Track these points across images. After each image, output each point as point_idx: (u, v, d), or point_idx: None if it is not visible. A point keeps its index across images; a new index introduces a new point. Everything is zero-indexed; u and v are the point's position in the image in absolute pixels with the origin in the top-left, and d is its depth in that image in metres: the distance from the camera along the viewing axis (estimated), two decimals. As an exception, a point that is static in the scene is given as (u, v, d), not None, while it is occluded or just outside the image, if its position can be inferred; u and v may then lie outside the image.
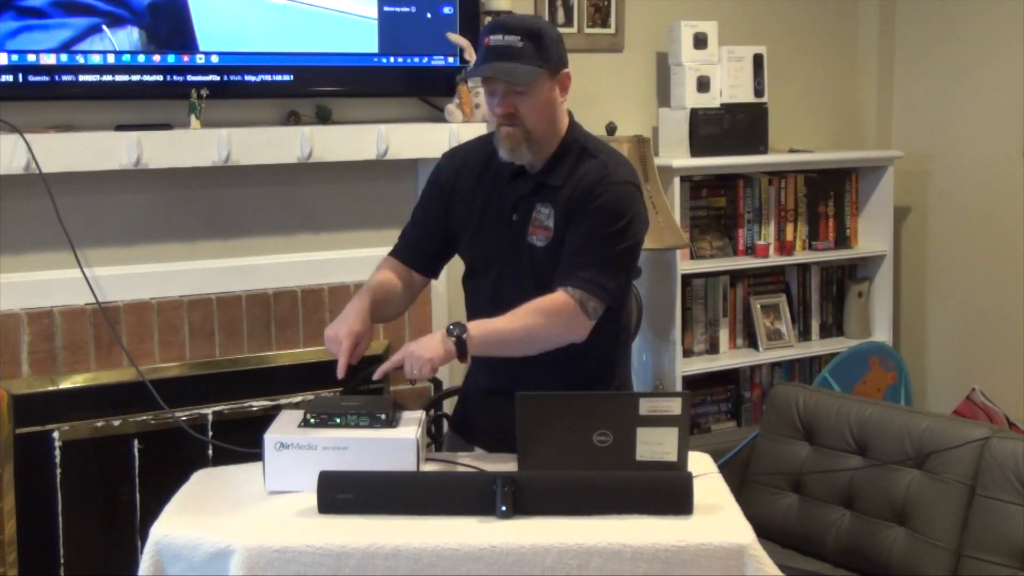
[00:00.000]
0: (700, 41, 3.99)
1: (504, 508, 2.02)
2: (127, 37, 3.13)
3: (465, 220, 2.47)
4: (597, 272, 2.31)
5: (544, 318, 2.30)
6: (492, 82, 2.33)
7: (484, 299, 2.46)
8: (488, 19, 3.61)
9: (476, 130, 3.39)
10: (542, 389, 2.35)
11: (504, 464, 2.22)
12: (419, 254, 2.56)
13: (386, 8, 3.43)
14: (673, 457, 2.14)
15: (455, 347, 2.24)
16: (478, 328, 2.28)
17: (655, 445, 2.13)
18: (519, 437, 2.15)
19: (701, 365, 4.09)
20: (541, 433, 2.15)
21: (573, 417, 2.15)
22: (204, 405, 3.29)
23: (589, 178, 2.36)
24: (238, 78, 3.28)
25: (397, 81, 3.53)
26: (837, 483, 3.05)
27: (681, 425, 2.14)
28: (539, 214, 2.39)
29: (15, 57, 3.02)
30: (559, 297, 2.30)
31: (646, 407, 2.13)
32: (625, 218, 2.35)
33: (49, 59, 3.05)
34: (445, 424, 2.74)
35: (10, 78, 3.01)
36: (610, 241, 2.34)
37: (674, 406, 2.13)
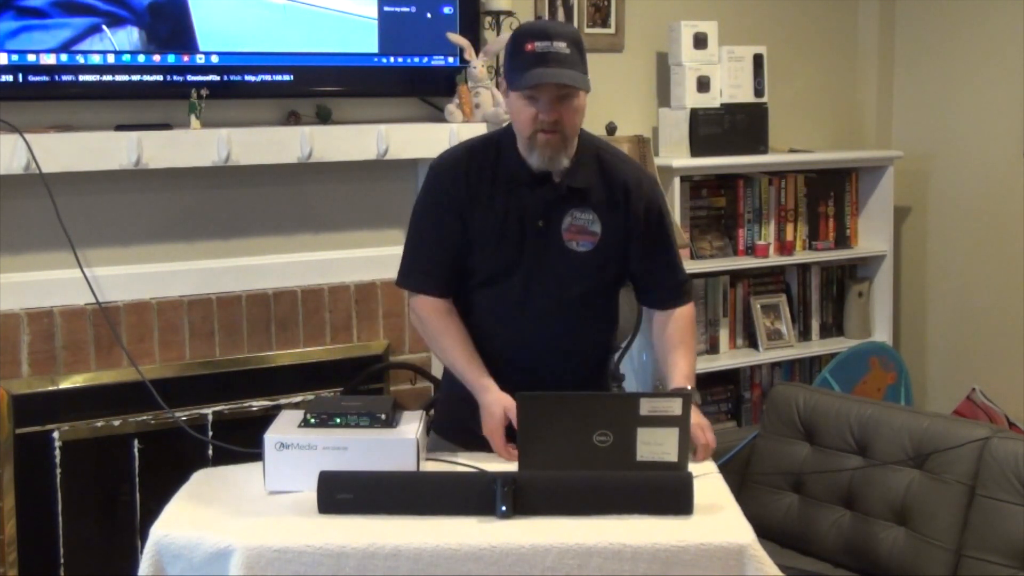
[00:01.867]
0: (700, 41, 3.99)
1: (504, 508, 2.02)
2: (127, 37, 3.13)
3: (485, 230, 2.40)
4: (683, 270, 2.56)
5: (695, 340, 2.58)
6: (538, 89, 2.27)
7: (509, 305, 2.42)
8: (488, 19, 3.61)
9: (476, 130, 3.38)
10: (555, 380, 2.41)
11: (504, 464, 2.22)
12: (450, 281, 2.45)
13: (386, 8, 3.44)
14: (673, 457, 2.14)
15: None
16: (691, 380, 2.44)
17: (655, 445, 2.13)
18: (520, 437, 2.15)
19: (701, 365, 4.08)
20: (541, 433, 2.14)
21: (573, 417, 2.15)
22: (204, 405, 3.29)
23: (631, 180, 2.44)
24: (238, 78, 3.28)
25: (397, 81, 3.53)
26: (837, 483, 3.05)
27: (682, 425, 2.13)
28: (577, 220, 2.40)
29: (15, 57, 3.02)
30: (689, 311, 2.54)
31: (647, 407, 2.12)
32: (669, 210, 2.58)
33: (49, 59, 3.05)
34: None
35: (10, 78, 3.01)
36: (674, 236, 2.55)
37: (675, 406, 2.13)
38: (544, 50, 2.26)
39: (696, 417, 2.30)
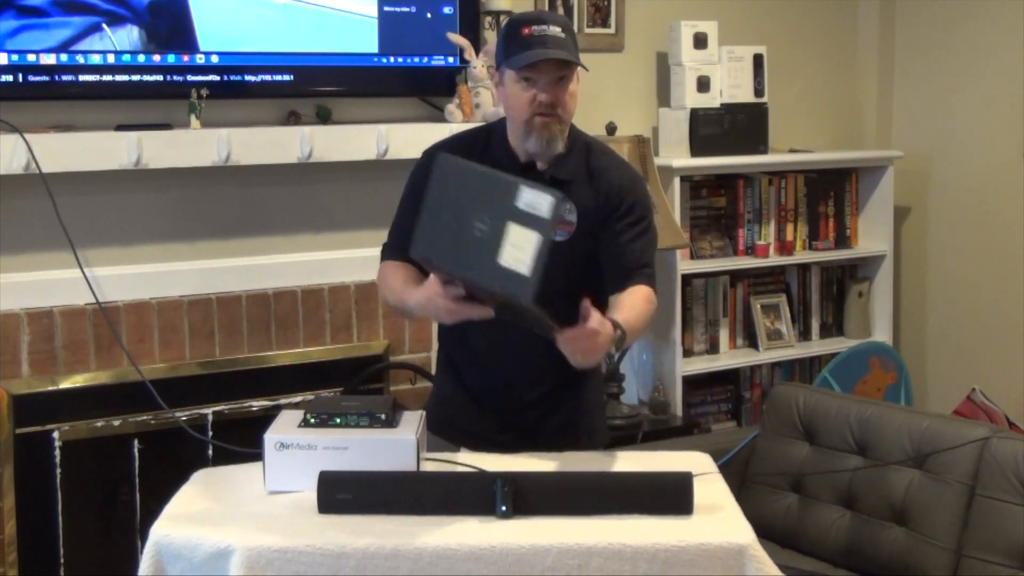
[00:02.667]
0: (700, 41, 3.99)
1: (504, 508, 2.02)
2: (127, 37, 3.13)
3: None
4: (651, 265, 2.45)
5: (649, 308, 2.37)
6: (536, 70, 2.30)
7: None
8: (488, 19, 3.61)
9: (476, 130, 3.39)
10: (535, 386, 2.44)
11: (504, 464, 2.22)
12: None
13: (386, 8, 3.44)
14: (525, 271, 1.96)
15: (617, 343, 2.20)
16: (628, 326, 2.23)
17: (518, 249, 1.98)
18: (427, 196, 2.07)
19: (701, 365, 4.09)
20: (444, 200, 2.05)
21: (473, 192, 2.04)
22: (204, 405, 3.29)
23: (612, 174, 2.42)
24: (238, 78, 3.28)
25: (397, 81, 3.53)
26: (837, 483, 3.05)
27: (544, 232, 1.96)
28: None
29: (15, 57, 3.02)
30: (648, 290, 2.39)
31: (523, 200, 1.97)
32: (651, 209, 2.49)
33: (49, 59, 3.05)
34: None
35: (10, 78, 3.01)
36: (650, 231, 2.46)
37: (543, 206, 1.96)
38: (541, 33, 2.30)
39: (601, 326, 2.11)
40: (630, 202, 2.44)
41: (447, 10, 3.52)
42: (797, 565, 3.00)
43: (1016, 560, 2.73)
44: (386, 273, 2.49)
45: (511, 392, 2.48)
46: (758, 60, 4.11)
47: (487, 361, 2.46)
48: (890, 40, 4.60)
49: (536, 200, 1.97)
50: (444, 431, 2.50)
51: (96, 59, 3.11)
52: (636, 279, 2.40)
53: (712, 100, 4.01)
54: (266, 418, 2.42)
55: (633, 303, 2.33)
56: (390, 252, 2.54)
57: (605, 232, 2.43)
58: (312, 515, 2.05)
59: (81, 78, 3.09)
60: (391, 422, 2.22)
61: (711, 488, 2.17)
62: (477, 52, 3.48)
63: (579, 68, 2.36)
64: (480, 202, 2.01)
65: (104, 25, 3.10)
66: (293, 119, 3.41)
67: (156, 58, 3.17)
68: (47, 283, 3.12)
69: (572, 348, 2.11)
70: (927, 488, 2.89)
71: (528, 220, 1.96)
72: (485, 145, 2.45)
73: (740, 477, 3.20)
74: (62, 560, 3.16)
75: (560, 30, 2.31)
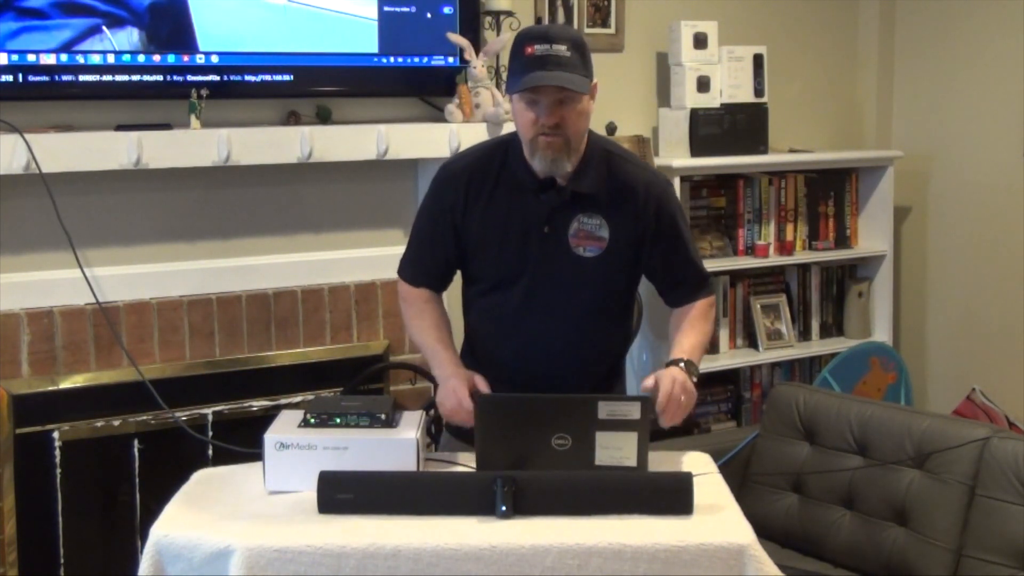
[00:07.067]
0: (700, 41, 3.99)
1: (504, 508, 2.02)
2: (127, 37, 3.13)
3: (485, 237, 2.41)
4: (704, 270, 2.55)
5: (710, 326, 2.52)
6: (537, 92, 2.26)
7: (509, 311, 2.42)
8: (488, 19, 3.61)
9: (476, 130, 3.39)
10: (563, 390, 2.39)
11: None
12: (443, 279, 2.55)
13: (386, 8, 3.44)
14: (633, 463, 2.13)
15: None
16: (692, 355, 2.40)
17: (614, 450, 2.12)
18: (477, 438, 2.15)
19: (701, 365, 4.07)
20: (499, 435, 2.14)
21: (531, 420, 2.14)
22: (204, 405, 3.29)
23: (642, 185, 2.41)
24: (238, 78, 3.28)
25: (397, 81, 3.53)
26: (837, 483, 3.05)
27: (640, 430, 2.12)
28: (585, 225, 2.38)
29: (15, 57, 3.02)
30: (705, 303, 2.51)
31: (605, 411, 2.12)
32: (681, 208, 2.54)
33: (49, 59, 3.05)
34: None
35: (10, 78, 3.01)
36: (689, 234, 2.53)
37: (633, 411, 2.12)
38: (543, 53, 2.24)
39: (679, 376, 2.30)
40: (668, 214, 2.44)
41: (447, 10, 3.52)
42: (797, 565, 3.00)
43: (1016, 560, 2.73)
44: (411, 308, 2.54)
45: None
46: (758, 60, 4.11)
47: (506, 373, 2.44)
48: (890, 40, 4.60)
49: (621, 408, 2.13)
50: (462, 433, 2.49)
51: (96, 59, 3.11)
52: (699, 294, 2.51)
53: (712, 100, 4.01)
54: (266, 418, 2.42)
55: (696, 327, 2.46)
56: (410, 272, 2.54)
57: (648, 248, 2.43)
58: (312, 515, 2.05)
59: (81, 78, 3.09)
60: (391, 422, 2.22)
61: (711, 488, 2.18)
62: (477, 52, 3.48)
63: (595, 83, 2.32)
64: (552, 424, 2.14)
65: (104, 27, 3.10)
66: (293, 119, 3.41)
67: (156, 58, 3.17)
68: (47, 283, 3.12)
69: (670, 420, 2.26)
70: (927, 488, 2.90)
71: (617, 425, 2.12)
72: (503, 162, 2.41)
73: (740, 477, 3.20)
74: (62, 560, 3.16)
75: (565, 48, 2.24)
